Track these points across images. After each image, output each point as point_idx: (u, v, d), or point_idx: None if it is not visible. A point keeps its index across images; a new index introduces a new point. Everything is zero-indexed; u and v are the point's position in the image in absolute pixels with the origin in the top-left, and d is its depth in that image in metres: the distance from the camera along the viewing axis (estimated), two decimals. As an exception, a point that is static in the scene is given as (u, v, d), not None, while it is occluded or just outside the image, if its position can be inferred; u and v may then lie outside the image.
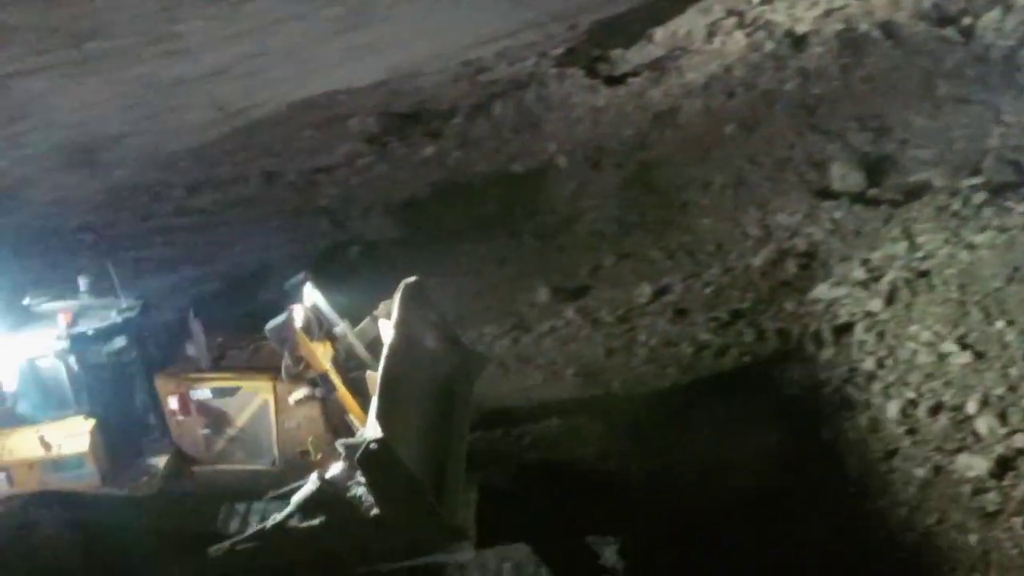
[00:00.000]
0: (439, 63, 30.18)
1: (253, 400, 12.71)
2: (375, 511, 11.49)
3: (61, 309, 12.89)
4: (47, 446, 12.42)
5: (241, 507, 12.51)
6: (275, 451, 12.74)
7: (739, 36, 27.17)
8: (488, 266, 20.44)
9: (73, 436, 12.50)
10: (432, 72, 29.95)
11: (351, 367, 12.90)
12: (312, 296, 12.96)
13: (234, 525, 12.37)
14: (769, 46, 25.93)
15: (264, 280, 20.43)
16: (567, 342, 16.86)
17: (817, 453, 13.30)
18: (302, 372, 12.36)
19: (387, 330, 12.63)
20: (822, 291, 16.46)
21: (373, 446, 10.79)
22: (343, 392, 12.31)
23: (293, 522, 11.94)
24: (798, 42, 25.71)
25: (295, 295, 12.91)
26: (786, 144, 22.67)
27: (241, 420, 12.79)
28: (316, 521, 11.89)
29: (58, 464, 12.44)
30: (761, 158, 22.41)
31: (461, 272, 20.25)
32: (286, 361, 12.32)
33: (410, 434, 11.56)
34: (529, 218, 22.25)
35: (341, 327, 12.99)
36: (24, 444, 12.57)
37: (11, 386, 12.81)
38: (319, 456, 12.38)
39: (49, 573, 12.63)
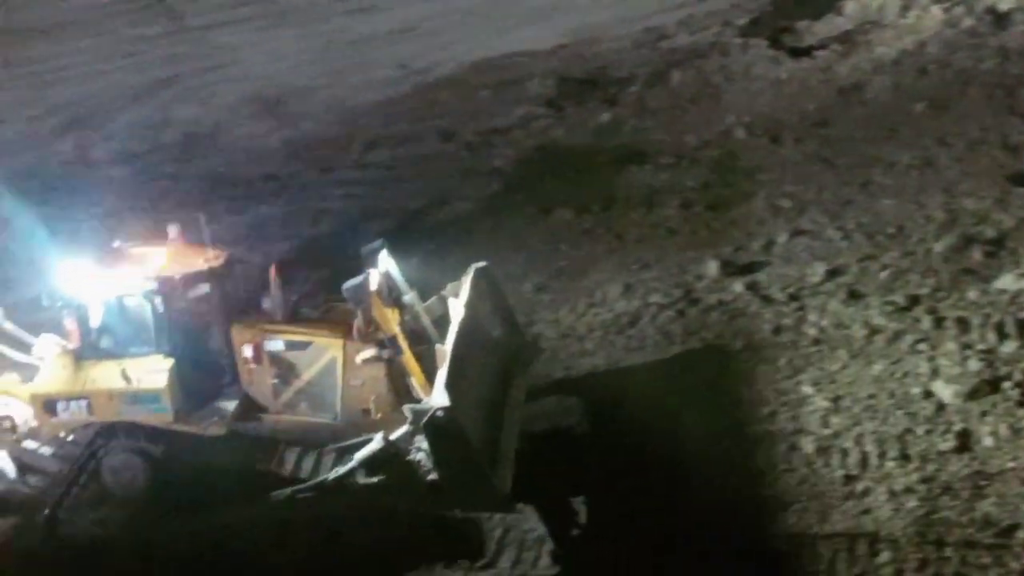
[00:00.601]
0: (620, 28, 30.03)
1: (323, 355, 13.27)
2: (432, 475, 12.08)
3: (151, 253, 13.61)
4: (127, 379, 13.23)
5: (301, 455, 13.09)
6: (338, 406, 13.28)
7: (936, 11, 26.08)
8: (657, 236, 20.28)
9: (152, 372, 13.25)
10: (612, 37, 29.84)
11: (414, 338, 13.26)
12: (386, 263, 13.40)
13: (293, 471, 12.99)
14: (967, 22, 24.79)
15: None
16: (734, 317, 16.61)
17: (988, 451, 12.70)
18: (372, 333, 12.88)
19: (457, 308, 13.10)
20: (1008, 281, 15.67)
21: (439, 413, 11.30)
22: (408, 356, 12.79)
23: (353, 477, 12.62)
24: (1000, 19, 24.44)
25: (371, 260, 13.30)
26: (980, 126, 21.66)
27: (309, 374, 13.38)
28: (375, 479, 12.57)
29: (136, 397, 13.24)
30: (952, 139, 21.48)
31: (630, 240, 20.19)
32: (358, 321, 12.91)
33: (472, 407, 11.99)
34: (702, 189, 21.96)
35: (409, 296, 13.46)
36: (105, 376, 13.37)
37: (97, 321, 13.58)
38: (379, 415, 13.00)
39: (116, 497, 13.62)
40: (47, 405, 13.42)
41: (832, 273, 17.27)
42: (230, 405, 13.51)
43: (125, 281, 13.32)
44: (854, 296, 16.45)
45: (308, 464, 13.06)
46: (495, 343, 13.86)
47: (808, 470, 12.84)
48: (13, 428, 13.84)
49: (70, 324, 13.63)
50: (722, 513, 12.21)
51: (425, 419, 11.37)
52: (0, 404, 13.99)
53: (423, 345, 13.26)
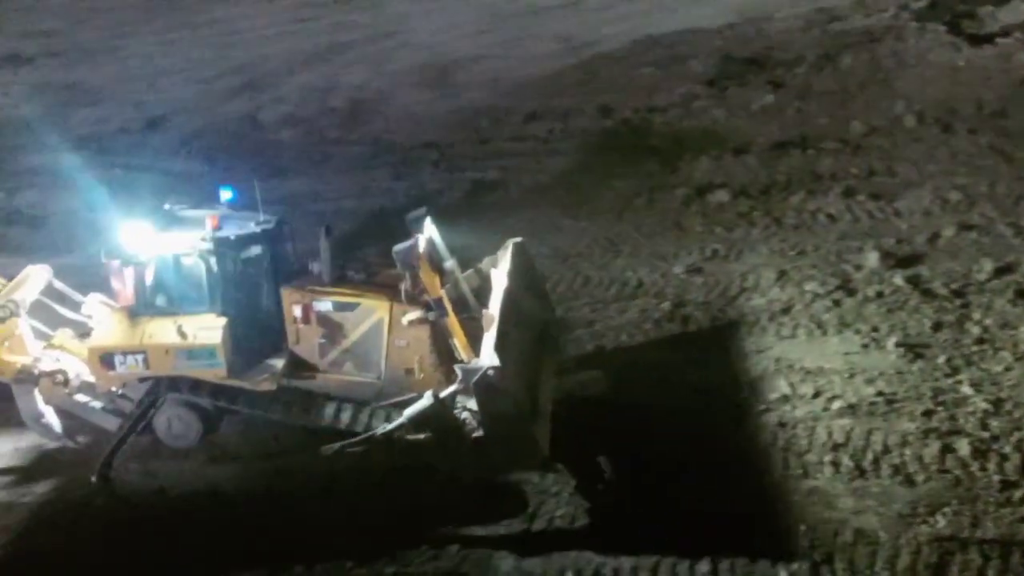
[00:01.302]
0: (791, 8, 29.40)
1: (369, 316, 13.61)
2: (477, 433, 12.52)
3: (209, 214, 13.91)
4: (183, 335, 13.68)
5: (348, 411, 13.51)
6: (382, 366, 13.66)
7: None
8: (816, 223, 19.83)
9: (206, 329, 13.68)
10: (782, 18, 29.24)
11: (454, 305, 13.52)
12: (430, 230, 13.68)
13: (340, 424, 13.42)
14: None
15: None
16: (893, 310, 16.12)
17: None
18: (417, 296, 13.18)
19: (500, 278, 13.56)
20: None
21: (490, 372, 11.87)
22: (452, 318, 13.10)
23: (401, 433, 13.01)
24: None
25: (416, 226, 13.55)
26: None
27: (356, 334, 13.73)
28: (422, 435, 12.98)
29: (191, 353, 13.67)
30: None
31: (788, 226, 19.80)
32: (405, 284, 13.22)
33: (516, 370, 12.50)
34: (867, 177, 21.34)
35: (450, 263, 13.82)
36: (162, 331, 13.81)
37: (153, 279, 14.01)
38: (422, 375, 13.42)
39: (169, 448, 14.24)
40: (105, 359, 13.88)
41: (1000, 271, 16.62)
42: (278, 363, 13.97)
43: (182, 241, 13.81)
44: (1023, 295, 15.78)
45: (354, 418, 13.51)
46: (532, 310, 14.33)
47: (963, 473, 12.41)
48: (66, 382, 14.40)
49: (117, 283, 14.17)
50: (867, 511, 11.96)
51: (476, 377, 11.88)
52: (52, 359, 14.60)
53: (463, 312, 13.64)
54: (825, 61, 26.99)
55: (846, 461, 12.76)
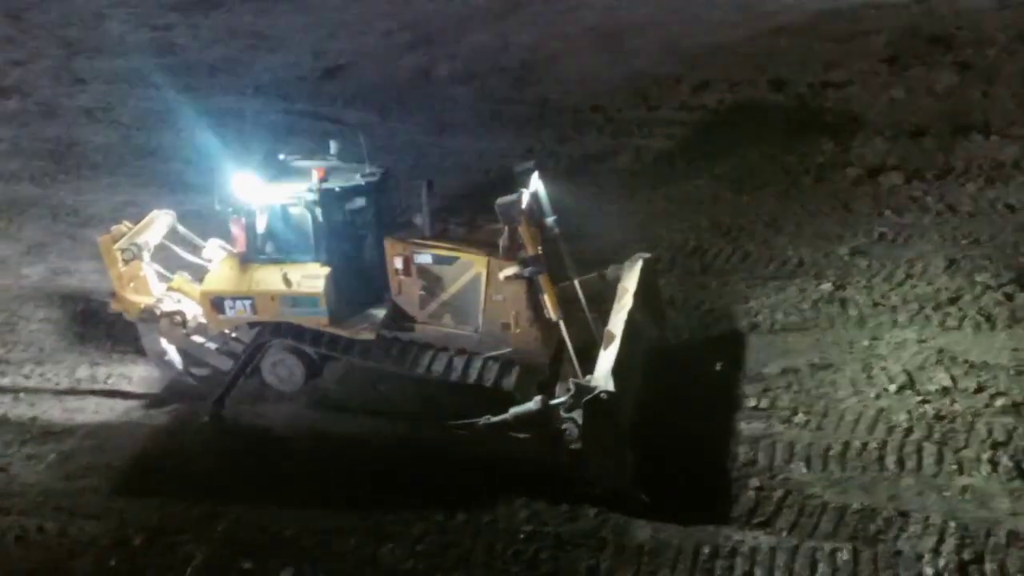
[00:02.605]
0: (986, -14, 27.98)
1: (468, 270, 13.81)
2: (575, 445, 12.52)
3: (315, 166, 14.14)
4: (288, 283, 14.01)
5: (442, 360, 13.88)
6: (480, 319, 13.91)
7: None
8: (994, 211, 18.94)
9: (311, 278, 14.04)
10: (975, -5, 27.88)
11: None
12: (536, 184, 13.60)
13: (435, 374, 13.84)
14: None
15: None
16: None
17: None
18: (515, 251, 13.28)
19: (625, 294, 13.71)
20: None
21: (603, 395, 11.95)
22: (546, 276, 13.18)
23: (503, 428, 13.18)
24: None
25: (522, 179, 13.51)
26: None
27: (454, 287, 13.96)
28: (522, 435, 13.14)
29: (296, 300, 14.07)
30: None
31: (963, 213, 19.02)
32: (503, 239, 13.32)
33: (626, 395, 12.59)
34: (1053, 169, 20.33)
35: (551, 220, 13.74)
36: (269, 278, 14.18)
37: (263, 228, 14.29)
38: (518, 330, 13.67)
39: (275, 391, 14.92)
40: (215, 303, 14.40)
41: None
42: (380, 313, 14.29)
43: (290, 192, 14.10)
44: None
45: (448, 367, 13.83)
46: (645, 335, 14.28)
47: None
48: (184, 323, 15.04)
49: (236, 230, 14.56)
50: (1023, 514, 11.59)
51: (588, 397, 11.96)
52: (172, 300, 15.27)
53: (559, 272, 13.74)
54: (1017, 43, 25.64)
55: (1005, 460, 12.36)
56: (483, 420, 13.44)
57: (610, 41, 29.34)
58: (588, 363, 12.92)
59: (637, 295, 13.72)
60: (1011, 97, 23.35)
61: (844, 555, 11.29)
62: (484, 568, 11.82)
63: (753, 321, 16.14)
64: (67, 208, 22.30)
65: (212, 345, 15.31)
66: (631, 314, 13.34)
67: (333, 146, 14.80)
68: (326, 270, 14.14)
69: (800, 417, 13.63)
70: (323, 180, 13.94)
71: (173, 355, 15.45)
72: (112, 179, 23.59)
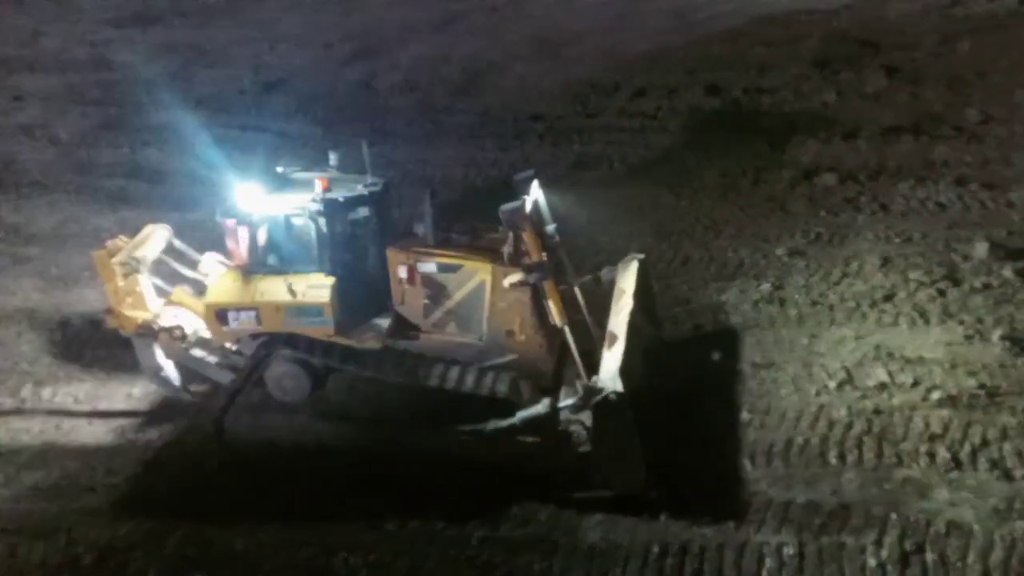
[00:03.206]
0: (912, -10, 28.69)
1: (472, 278, 13.80)
2: (585, 447, 12.67)
3: (319, 176, 14.18)
4: (293, 293, 14.01)
5: (453, 372, 13.68)
6: (484, 327, 13.89)
7: None
8: (925, 210, 19.54)
9: (315, 288, 14.03)
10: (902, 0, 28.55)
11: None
12: (535, 192, 13.73)
13: (446, 386, 13.57)
14: None
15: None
16: (999, 303, 15.86)
17: None
18: (519, 258, 13.32)
19: (623, 295, 13.73)
20: None
21: (612, 397, 12.05)
22: (551, 283, 13.21)
23: (511, 432, 13.28)
24: None
25: (522, 188, 13.64)
26: None
27: (459, 295, 13.94)
28: (529, 439, 13.25)
29: (301, 310, 14.01)
30: None
31: (895, 212, 19.56)
32: (507, 246, 13.36)
33: (633, 394, 12.45)
34: (980, 166, 20.91)
35: (551, 227, 13.82)
36: (273, 289, 14.15)
37: (265, 239, 14.34)
38: (523, 337, 13.69)
39: (278, 402, 14.63)
40: (220, 315, 14.30)
41: (1121, 269, 16.21)
42: (384, 323, 14.31)
43: (293, 202, 14.13)
44: None
45: (460, 380, 13.66)
46: (644, 334, 14.29)
47: (1059, 471, 12.29)
48: (183, 337, 14.90)
49: (231, 243, 14.57)
50: (961, 504, 11.92)
51: (597, 399, 12.07)
52: (171, 314, 15.11)
53: (560, 278, 13.79)
54: (943, 46, 26.38)
55: (943, 452, 12.70)
56: (490, 425, 13.46)
57: (549, 50, 29.63)
58: (591, 367, 12.99)
59: (636, 295, 13.75)
60: (938, 99, 24.00)
61: (790, 549, 11.52)
62: None
63: (696, 323, 16.43)
64: (7, 226, 22.00)
65: (212, 359, 15.16)
66: (632, 314, 13.35)
67: (332, 157, 14.82)
68: (330, 280, 14.13)
69: (744, 415, 13.90)
70: (327, 190, 13.96)
71: (170, 371, 15.23)
72: (52, 196, 23.31)
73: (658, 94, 26.07)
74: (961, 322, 15.40)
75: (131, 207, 21.95)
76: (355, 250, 14.48)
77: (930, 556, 11.23)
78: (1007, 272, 16.53)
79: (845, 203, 20.12)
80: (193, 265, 15.67)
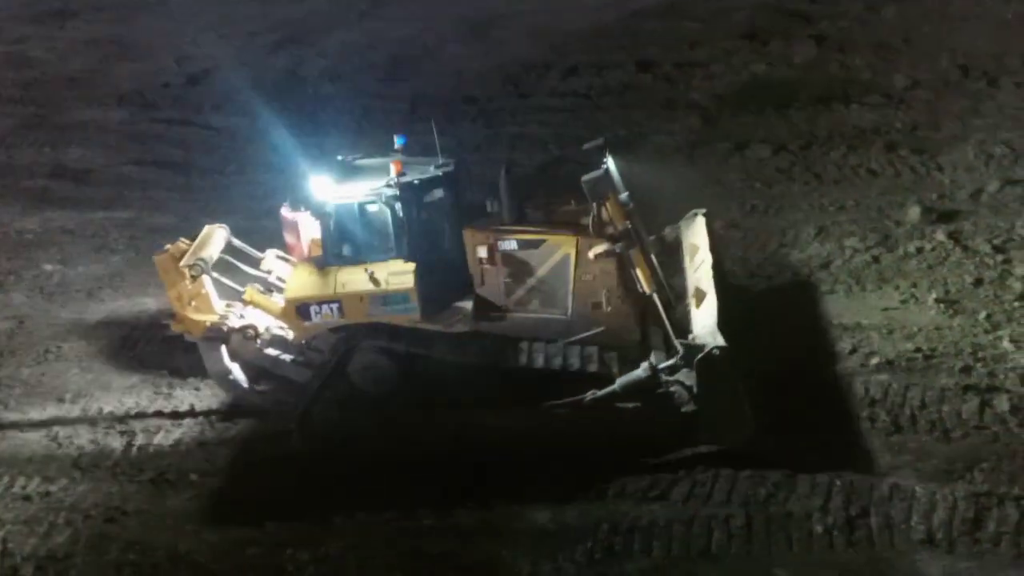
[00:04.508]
0: (837, -40, 28.80)
1: (555, 253, 13.52)
2: (688, 407, 12.43)
3: (392, 160, 13.84)
4: (376, 282, 13.64)
5: (541, 353, 13.45)
6: (569, 301, 13.60)
7: None
8: (858, 177, 19.73)
9: (397, 275, 13.64)
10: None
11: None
12: (609, 161, 13.44)
13: (535, 363, 13.35)
14: None
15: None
16: (933, 266, 16.08)
17: None
18: (604, 228, 13.10)
19: (698, 250, 13.65)
20: None
21: (715, 352, 11.86)
22: (638, 250, 12.99)
23: (611, 399, 12.92)
24: None
25: (594, 157, 13.38)
26: None
27: (542, 271, 13.65)
28: (631, 404, 12.90)
29: (385, 299, 13.61)
30: None
31: (828, 181, 19.71)
32: (591, 216, 13.13)
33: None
34: (910, 132, 21.15)
35: (625, 195, 13.39)
36: (354, 279, 13.75)
37: (337, 229, 13.95)
38: (610, 308, 13.38)
39: (367, 393, 14.06)
40: (301, 310, 13.86)
41: (1045, 226, 16.47)
42: (466, 304, 13.95)
43: (367, 189, 13.77)
44: (1067, 253, 15.68)
45: (548, 360, 13.41)
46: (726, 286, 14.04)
47: (1001, 429, 12.47)
48: (256, 336, 14.44)
49: (290, 237, 14.26)
50: (903, 467, 12.02)
51: (700, 356, 11.89)
52: (236, 315, 14.59)
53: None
54: (869, 14, 26.64)
55: (883, 417, 12.85)
56: (589, 395, 13.13)
57: (479, 32, 29.39)
58: (676, 326, 12.84)
59: (713, 249, 13.52)
60: (866, 67, 24.23)
61: (738, 521, 11.55)
62: (385, 568, 11.70)
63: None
64: (-76, 233, 21.35)
65: (287, 357, 14.74)
66: (715, 268, 13.12)
67: (398, 141, 14.39)
68: (411, 266, 13.74)
69: (687, 390, 13.87)
70: (401, 174, 13.62)
71: (238, 373, 14.64)
72: (-29, 200, 22.64)
73: (589, 72, 25.95)
74: (896, 287, 15.58)
75: (55, 208, 21.36)
76: (431, 233, 14.07)
77: (875, 520, 11.33)
78: (939, 235, 16.74)
79: (778, 173, 20.23)
80: (253, 262, 15.14)
